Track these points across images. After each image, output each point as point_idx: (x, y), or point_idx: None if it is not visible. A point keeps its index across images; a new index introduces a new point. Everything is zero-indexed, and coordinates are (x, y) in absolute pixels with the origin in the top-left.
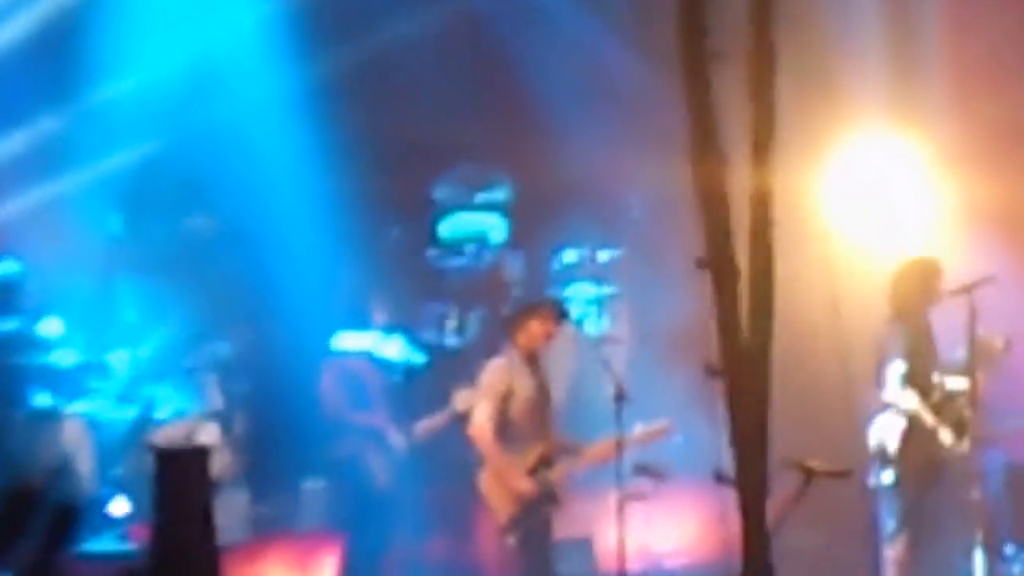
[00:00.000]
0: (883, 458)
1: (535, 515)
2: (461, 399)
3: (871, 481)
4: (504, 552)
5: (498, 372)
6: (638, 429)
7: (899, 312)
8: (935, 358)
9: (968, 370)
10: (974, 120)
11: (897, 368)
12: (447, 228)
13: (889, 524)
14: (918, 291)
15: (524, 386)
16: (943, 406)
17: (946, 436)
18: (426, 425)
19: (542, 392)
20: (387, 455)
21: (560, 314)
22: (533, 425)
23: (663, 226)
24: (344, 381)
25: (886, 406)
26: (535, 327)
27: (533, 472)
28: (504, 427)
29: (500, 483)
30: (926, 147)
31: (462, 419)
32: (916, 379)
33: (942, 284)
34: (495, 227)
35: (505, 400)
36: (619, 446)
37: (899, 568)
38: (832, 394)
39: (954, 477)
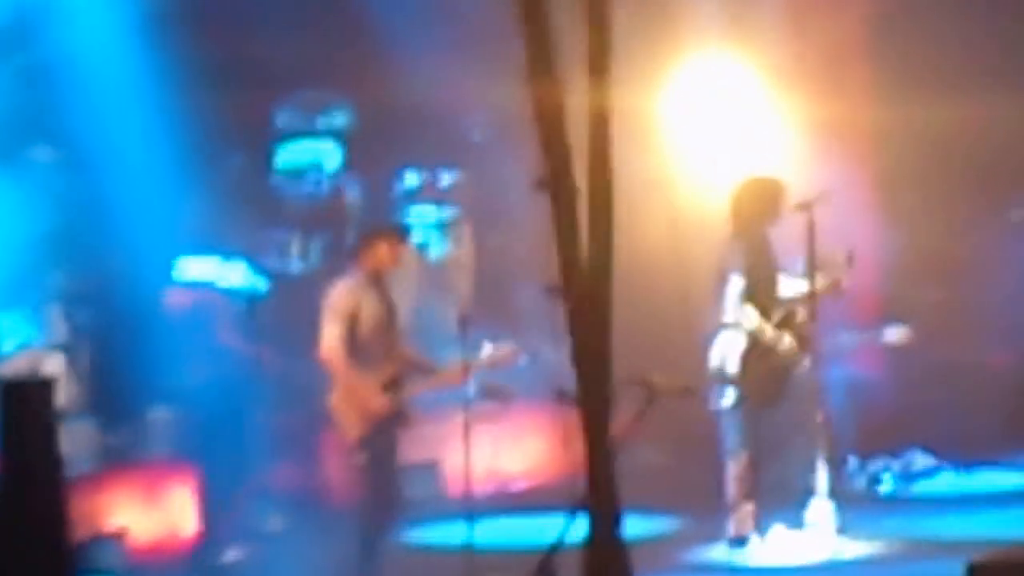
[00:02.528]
0: (724, 379)
1: (385, 435)
2: None
3: (712, 402)
4: (351, 474)
5: (344, 293)
6: (486, 352)
7: (739, 230)
8: (776, 276)
9: (809, 287)
10: (811, 38)
11: (736, 286)
12: (285, 156)
13: (731, 441)
14: (759, 209)
15: (371, 307)
16: (784, 323)
17: (786, 343)
18: None
19: (389, 314)
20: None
21: (404, 237)
22: (381, 347)
23: (505, 147)
24: (193, 308)
25: (726, 325)
26: (381, 250)
27: (386, 390)
28: (352, 349)
29: (351, 402)
30: (764, 66)
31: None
32: (756, 297)
33: (783, 202)
34: (332, 153)
35: (352, 321)
36: (466, 370)
37: (741, 485)
38: (673, 313)
39: (796, 393)
